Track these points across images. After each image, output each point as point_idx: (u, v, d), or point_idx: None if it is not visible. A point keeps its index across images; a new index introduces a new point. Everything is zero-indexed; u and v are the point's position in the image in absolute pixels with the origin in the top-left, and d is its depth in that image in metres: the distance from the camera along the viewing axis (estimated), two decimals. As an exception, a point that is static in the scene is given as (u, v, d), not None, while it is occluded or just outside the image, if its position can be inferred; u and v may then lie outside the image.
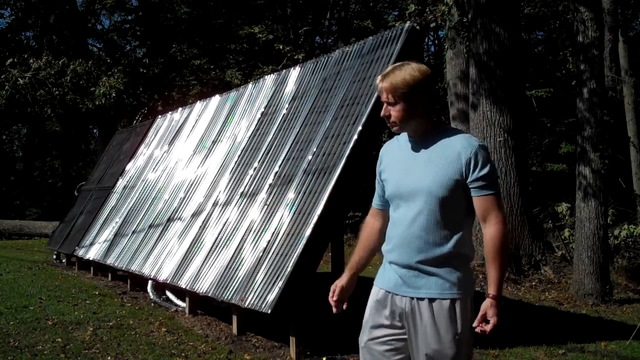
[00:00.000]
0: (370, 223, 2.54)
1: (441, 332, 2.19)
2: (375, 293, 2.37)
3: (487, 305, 2.18)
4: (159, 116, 11.00)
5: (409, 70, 2.26)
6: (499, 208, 2.23)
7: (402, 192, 2.30)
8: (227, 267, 5.49)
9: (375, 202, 2.53)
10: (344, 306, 2.47)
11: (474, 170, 2.20)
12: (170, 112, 10.42)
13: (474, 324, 2.19)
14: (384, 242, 2.44)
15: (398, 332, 2.29)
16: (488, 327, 2.16)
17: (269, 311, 4.57)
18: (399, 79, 2.24)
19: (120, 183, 10.15)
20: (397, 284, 2.28)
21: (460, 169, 2.21)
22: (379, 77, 2.31)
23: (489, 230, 2.22)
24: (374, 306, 2.36)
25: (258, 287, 4.87)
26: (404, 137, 2.40)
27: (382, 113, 2.33)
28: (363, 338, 2.36)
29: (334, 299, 2.44)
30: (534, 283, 8.38)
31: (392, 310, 2.29)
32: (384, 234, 2.43)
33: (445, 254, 2.21)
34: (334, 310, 2.44)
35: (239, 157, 6.72)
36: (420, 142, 2.31)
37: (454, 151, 2.23)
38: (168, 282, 6.42)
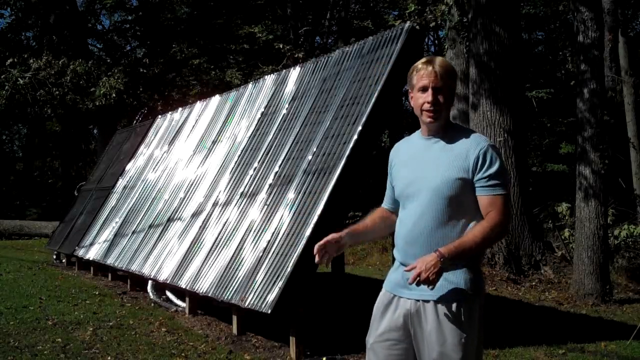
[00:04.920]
0: (382, 211, 2.50)
1: (446, 335, 2.13)
2: (382, 295, 2.33)
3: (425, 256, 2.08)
4: (159, 116, 11.00)
5: (447, 61, 2.27)
6: (504, 210, 2.17)
7: (410, 191, 2.27)
8: (227, 267, 5.49)
9: (386, 203, 2.50)
10: (325, 261, 2.36)
11: (481, 169, 2.17)
12: (170, 112, 10.42)
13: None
14: (387, 233, 2.39)
15: (403, 335, 2.24)
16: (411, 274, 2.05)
17: (269, 311, 4.57)
18: (449, 65, 2.23)
19: (120, 183, 10.15)
20: (402, 286, 2.24)
21: (467, 167, 2.18)
22: (424, 64, 2.23)
23: (483, 221, 2.16)
24: (380, 308, 2.32)
25: (258, 287, 4.87)
26: (415, 136, 2.38)
27: (428, 99, 2.21)
28: (369, 339, 2.33)
29: (320, 244, 2.33)
30: (534, 283, 8.39)
31: (398, 312, 2.24)
32: (390, 227, 2.41)
33: None
34: (316, 259, 2.34)
35: (239, 157, 6.72)
36: (432, 140, 2.29)
37: (462, 149, 2.21)
38: (168, 282, 6.42)
